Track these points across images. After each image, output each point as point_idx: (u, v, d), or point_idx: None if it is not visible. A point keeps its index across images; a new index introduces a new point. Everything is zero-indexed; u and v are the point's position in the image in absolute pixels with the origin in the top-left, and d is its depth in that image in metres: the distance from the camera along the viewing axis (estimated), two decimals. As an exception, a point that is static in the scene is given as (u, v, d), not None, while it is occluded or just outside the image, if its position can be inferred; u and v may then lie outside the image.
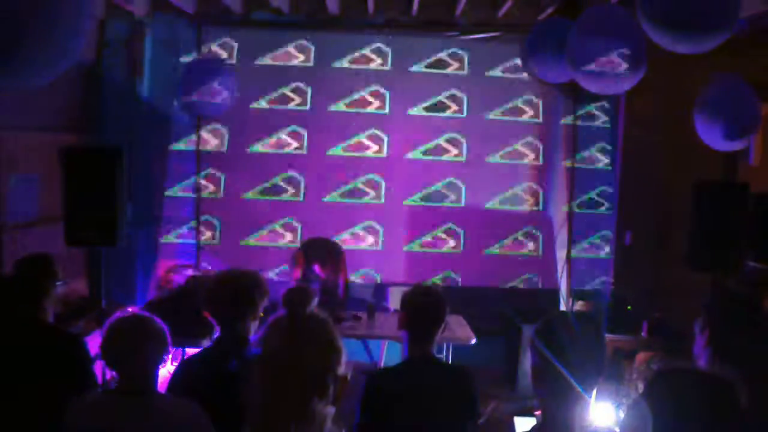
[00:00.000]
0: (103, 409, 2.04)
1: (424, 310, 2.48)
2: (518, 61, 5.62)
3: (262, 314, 2.51)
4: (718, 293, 2.23)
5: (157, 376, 2.14)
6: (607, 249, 5.89)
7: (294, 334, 1.41)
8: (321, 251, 5.14)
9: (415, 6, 5.30)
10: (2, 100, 3.97)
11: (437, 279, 5.81)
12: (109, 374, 4.03)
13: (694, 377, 1.51)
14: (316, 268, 5.08)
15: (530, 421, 2.62)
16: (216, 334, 2.65)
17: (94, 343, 4.33)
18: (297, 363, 1.37)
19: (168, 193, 5.68)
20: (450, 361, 4.38)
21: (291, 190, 5.79)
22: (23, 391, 2.45)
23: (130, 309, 5.10)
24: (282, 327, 1.45)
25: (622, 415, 2.49)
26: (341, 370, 1.41)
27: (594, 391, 1.64)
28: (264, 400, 1.37)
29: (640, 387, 4.01)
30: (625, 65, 3.78)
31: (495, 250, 5.92)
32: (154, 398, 2.09)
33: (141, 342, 2.08)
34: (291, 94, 5.77)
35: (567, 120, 5.89)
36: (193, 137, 5.73)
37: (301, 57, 5.76)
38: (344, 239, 5.73)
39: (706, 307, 2.23)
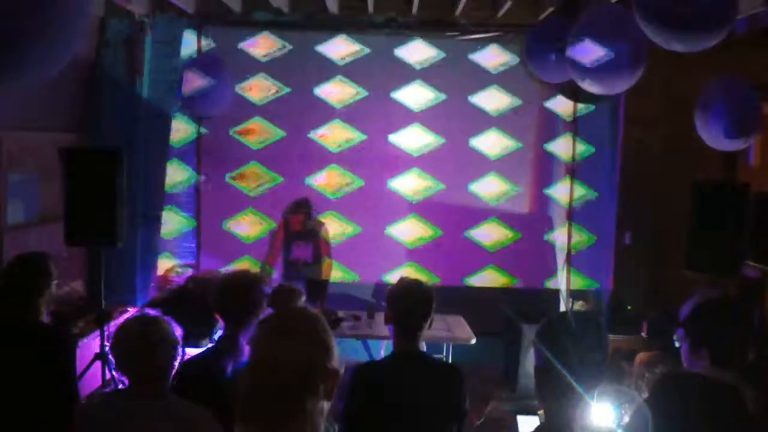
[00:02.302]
0: (115, 413, 2.01)
1: (410, 304, 2.46)
2: (518, 61, 5.64)
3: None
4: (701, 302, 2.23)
5: (169, 378, 2.11)
6: (606, 249, 5.89)
7: (280, 333, 1.40)
8: (297, 231, 5.04)
9: (415, 6, 5.30)
10: (2, 100, 3.97)
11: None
12: (109, 374, 4.04)
13: (700, 382, 1.51)
14: (295, 250, 5.03)
15: (534, 420, 2.62)
16: (216, 334, 2.66)
17: (93, 343, 4.34)
18: (284, 361, 1.36)
19: (168, 192, 5.66)
20: (449, 360, 4.39)
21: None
22: (3, 390, 2.44)
23: (130, 309, 5.12)
24: (268, 326, 1.44)
25: (622, 415, 2.49)
26: (333, 366, 1.40)
27: (596, 392, 1.64)
28: (253, 399, 1.36)
29: (641, 387, 4.01)
30: (624, 65, 3.78)
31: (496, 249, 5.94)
32: (167, 402, 2.05)
33: (151, 344, 2.03)
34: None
35: (567, 120, 5.89)
36: (194, 136, 5.75)
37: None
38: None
39: (688, 319, 2.22)
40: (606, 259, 5.87)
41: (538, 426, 1.72)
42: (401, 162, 5.84)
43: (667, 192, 5.36)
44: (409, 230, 5.87)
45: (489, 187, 5.89)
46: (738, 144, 3.93)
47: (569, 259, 5.88)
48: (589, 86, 4.01)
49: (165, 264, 5.68)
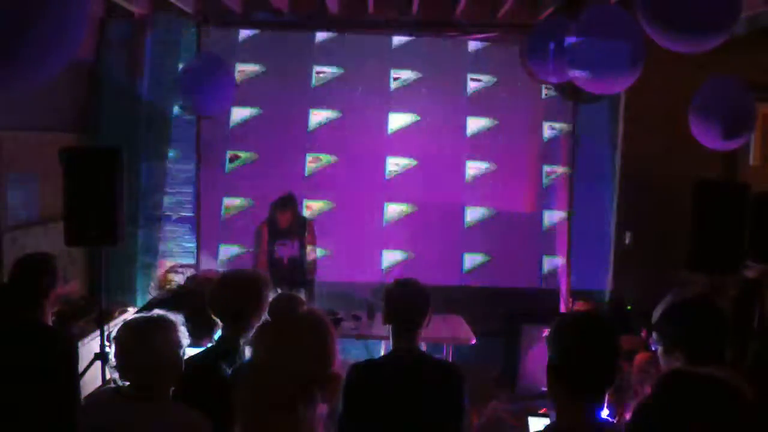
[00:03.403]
0: (111, 415, 1.99)
1: (406, 302, 2.48)
2: (518, 61, 5.62)
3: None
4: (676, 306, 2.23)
5: (170, 380, 2.08)
6: (606, 249, 5.88)
7: (282, 339, 1.40)
8: (285, 228, 4.90)
9: (415, 6, 5.30)
10: (2, 100, 3.97)
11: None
12: (109, 374, 4.04)
13: (700, 381, 1.51)
14: (280, 248, 4.94)
15: (544, 421, 2.62)
16: (216, 334, 2.65)
17: (93, 343, 4.34)
18: (284, 368, 1.36)
19: (168, 192, 5.66)
20: (450, 360, 4.39)
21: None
22: (7, 391, 2.44)
23: (130, 309, 5.11)
24: (271, 331, 1.44)
25: (622, 415, 2.49)
26: (334, 371, 1.40)
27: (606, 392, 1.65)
28: (252, 403, 1.37)
29: (640, 387, 4.01)
30: (621, 65, 3.77)
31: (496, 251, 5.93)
32: (164, 406, 2.03)
33: (149, 347, 2.01)
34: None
35: (566, 120, 5.88)
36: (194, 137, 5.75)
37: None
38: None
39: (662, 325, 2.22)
40: (606, 259, 5.86)
41: (548, 425, 1.72)
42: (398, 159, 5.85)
43: (667, 192, 5.36)
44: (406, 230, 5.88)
45: (488, 187, 5.89)
46: (731, 144, 3.93)
47: (569, 259, 5.87)
48: (587, 85, 4.00)
49: (165, 264, 5.68)
